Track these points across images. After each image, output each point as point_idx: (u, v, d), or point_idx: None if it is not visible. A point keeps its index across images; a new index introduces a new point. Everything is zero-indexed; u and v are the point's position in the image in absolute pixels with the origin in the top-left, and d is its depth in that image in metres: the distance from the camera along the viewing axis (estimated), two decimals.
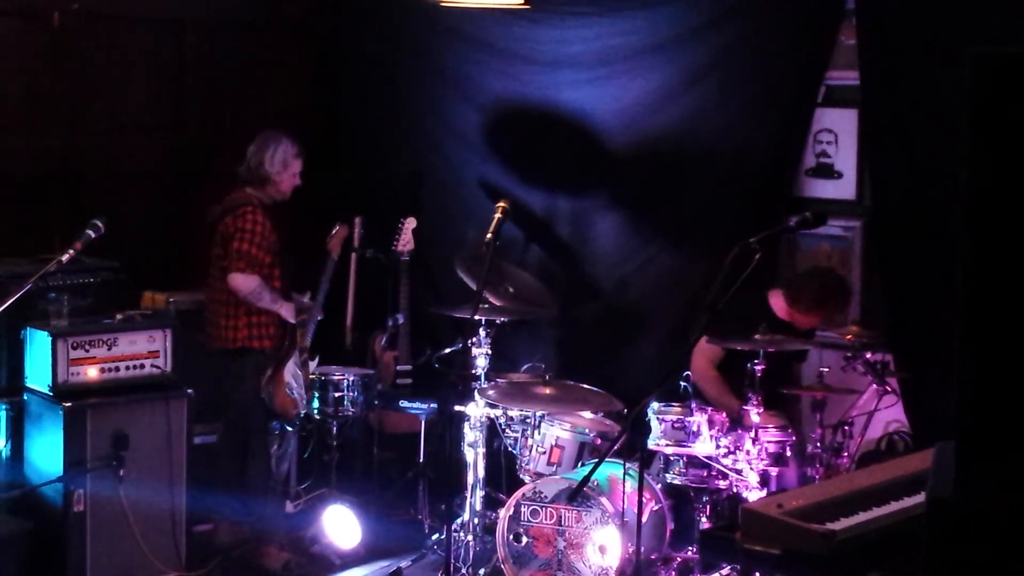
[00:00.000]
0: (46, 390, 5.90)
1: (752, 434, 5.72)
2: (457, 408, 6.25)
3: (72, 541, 5.84)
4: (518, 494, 5.82)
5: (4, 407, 6.10)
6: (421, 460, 6.98)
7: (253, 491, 6.56)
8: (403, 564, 6.39)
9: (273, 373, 6.47)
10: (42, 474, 5.93)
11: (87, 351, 5.95)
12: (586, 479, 5.10)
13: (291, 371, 6.42)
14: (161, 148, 7.39)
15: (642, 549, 5.35)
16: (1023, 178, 2.76)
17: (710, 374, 6.22)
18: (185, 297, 6.81)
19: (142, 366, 6.11)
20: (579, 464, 5.98)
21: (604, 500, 5.65)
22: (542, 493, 5.77)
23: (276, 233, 6.49)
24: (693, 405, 5.78)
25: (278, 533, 6.48)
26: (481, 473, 6.32)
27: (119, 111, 7.22)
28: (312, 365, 6.64)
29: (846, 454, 5.92)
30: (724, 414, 5.85)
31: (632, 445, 5.74)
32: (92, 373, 5.96)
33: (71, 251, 5.78)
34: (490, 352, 6.43)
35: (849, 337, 6.14)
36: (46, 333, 5.89)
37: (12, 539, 5.81)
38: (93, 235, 5.82)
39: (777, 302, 6.26)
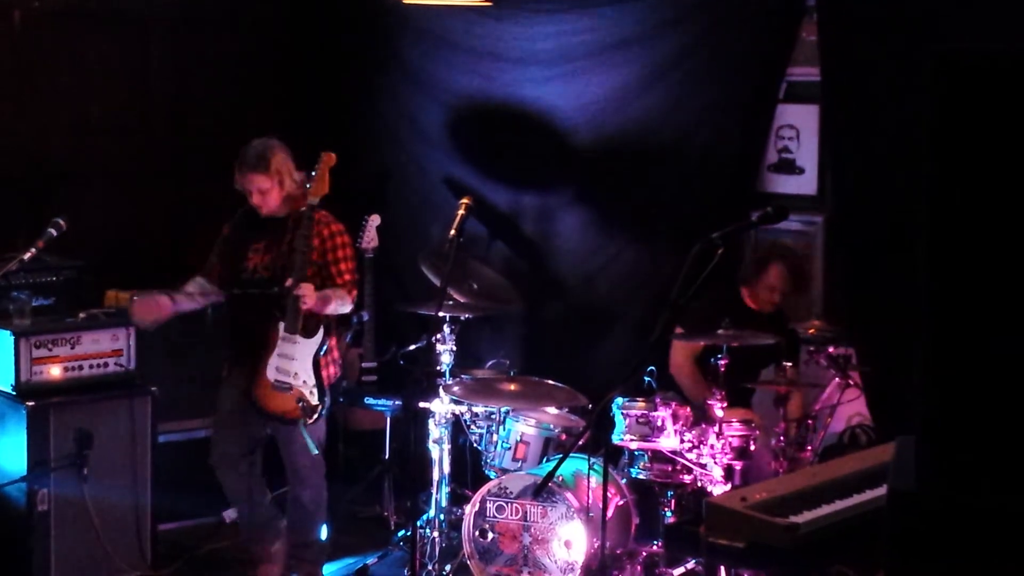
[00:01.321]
0: (9, 389, 5.86)
1: (716, 428, 5.75)
2: (422, 405, 6.25)
3: (36, 541, 5.79)
4: (483, 490, 5.83)
5: None
6: (386, 457, 6.99)
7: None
8: (369, 561, 6.39)
9: (251, 379, 5.88)
10: (5, 474, 5.88)
11: (50, 350, 5.92)
12: (551, 474, 5.10)
13: (273, 366, 6.02)
14: (125, 147, 7.33)
15: (607, 544, 5.38)
16: (982, 175, 2.79)
17: (687, 368, 6.28)
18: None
19: (105, 365, 6.08)
20: (544, 459, 5.99)
21: (569, 495, 5.67)
22: (507, 489, 5.78)
23: (255, 240, 6.16)
24: (657, 400, 5.79)
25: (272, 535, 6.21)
26: (446, 469, 6.32)
27: (83, 110, 7.17)
28: (310, 343, 5.80)
29: (809, 447, 5.96)
30: (688, 408, 5.88)
31: (597, 440, 5.76)
32: (55, 372, 5.93)
33: (33, 249, 5.75)
34: (455, 348, 6.43)
35: (812, 331, 6.19)
36: (9, 332, 5.85)
37: None
38: (55, 233, 5.79)
39: (743, 292, 6.37)
